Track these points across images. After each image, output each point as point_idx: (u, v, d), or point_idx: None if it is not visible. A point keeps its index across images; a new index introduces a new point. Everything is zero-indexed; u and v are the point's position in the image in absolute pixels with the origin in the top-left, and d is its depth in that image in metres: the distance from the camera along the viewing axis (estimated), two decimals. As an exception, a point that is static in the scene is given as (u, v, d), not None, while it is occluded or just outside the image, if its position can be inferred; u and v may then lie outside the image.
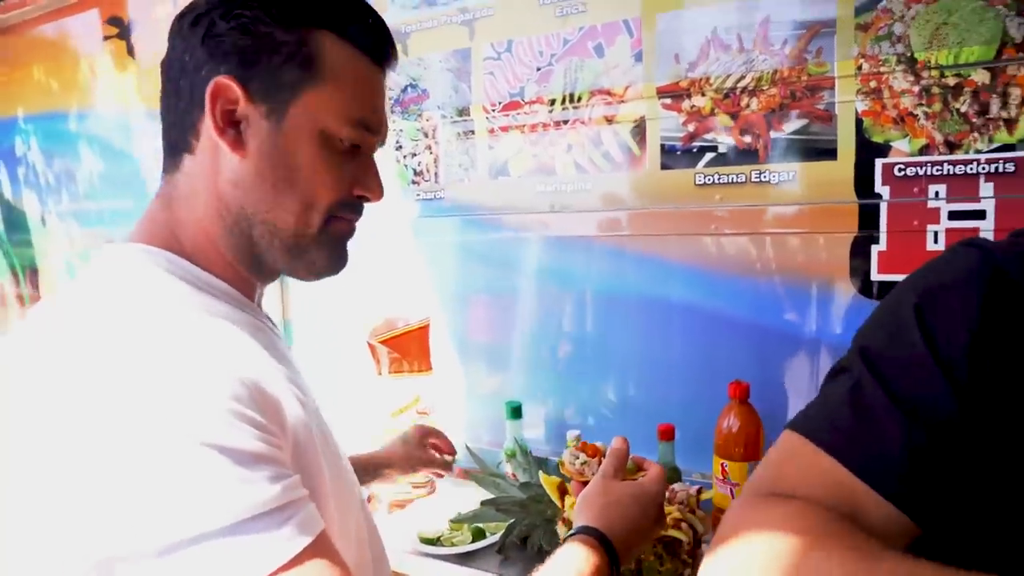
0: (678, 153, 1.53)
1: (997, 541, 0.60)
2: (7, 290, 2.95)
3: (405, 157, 1.86)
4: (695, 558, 1.23)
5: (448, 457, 1.40)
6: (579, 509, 0.93)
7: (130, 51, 2.38)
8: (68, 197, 2.64)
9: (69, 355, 0.61)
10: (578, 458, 1.18)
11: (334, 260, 0.80)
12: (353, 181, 0.78)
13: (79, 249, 2.63)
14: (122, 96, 2.41)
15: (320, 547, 0.61)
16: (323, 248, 0.78)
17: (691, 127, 1.51)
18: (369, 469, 1.27)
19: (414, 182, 1.86)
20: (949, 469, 0.59)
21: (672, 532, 1.18)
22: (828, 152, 1.39)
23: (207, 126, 0.73)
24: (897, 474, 0.59)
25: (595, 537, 0.86)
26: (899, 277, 1.32)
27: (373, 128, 0.77)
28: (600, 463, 1.26)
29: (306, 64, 0.72)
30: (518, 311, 1.74)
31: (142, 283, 0.70)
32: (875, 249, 1.35)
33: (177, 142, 0.76)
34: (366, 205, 0.81)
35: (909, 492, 0.59)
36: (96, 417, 0.57)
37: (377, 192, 0.80)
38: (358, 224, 0.82)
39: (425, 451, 1.36)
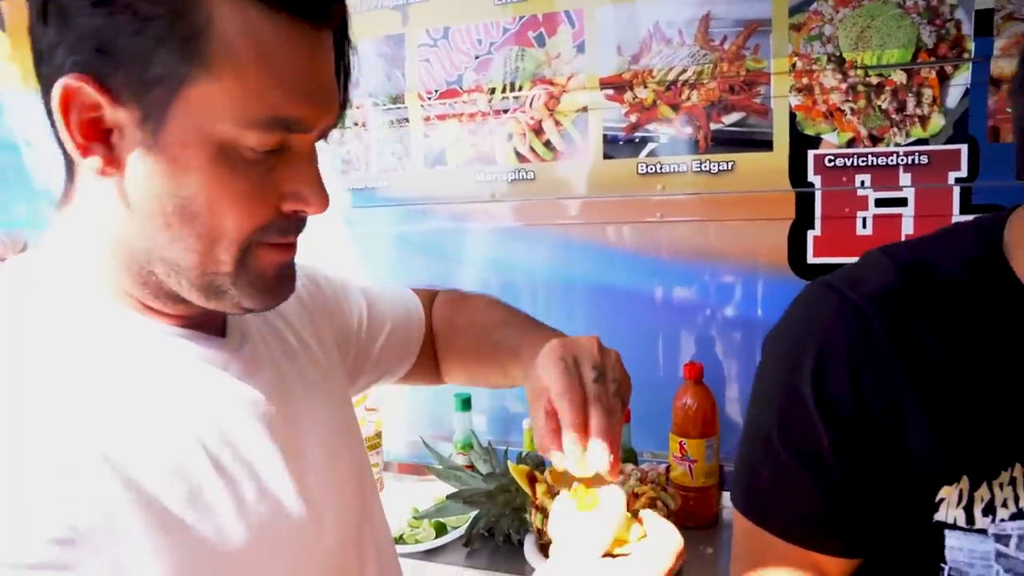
0: (620, 143, 1.57)
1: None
2: None
3: (333, 145, 1.79)
4: (668, 533, 1.28)
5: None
6: None
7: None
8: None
9: None
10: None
11: (268, 295, 0.60)
12: (279, 196, 0.56)
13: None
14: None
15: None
16: (247, 288, 0.58)
17: (633, 118, 1.56)
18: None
19: (343, 171, 1.79)
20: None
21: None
22: (764, 143, 1.48)
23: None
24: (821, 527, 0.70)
25: None
26: (833, 260, 1.44)
27: (301, 122, 0.54)
28: None
29: (187, 45, 0.50)
30: (461, 302, 1.73)
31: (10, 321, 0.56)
32: (811, 234, 1.46)
33: (63, 155, 0.57)
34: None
35: (841, 537, 0.70)
36: None
37: (317, 202, 0.57)
38: (298, 241, 0.61)
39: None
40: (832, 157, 1.44)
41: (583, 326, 1.64)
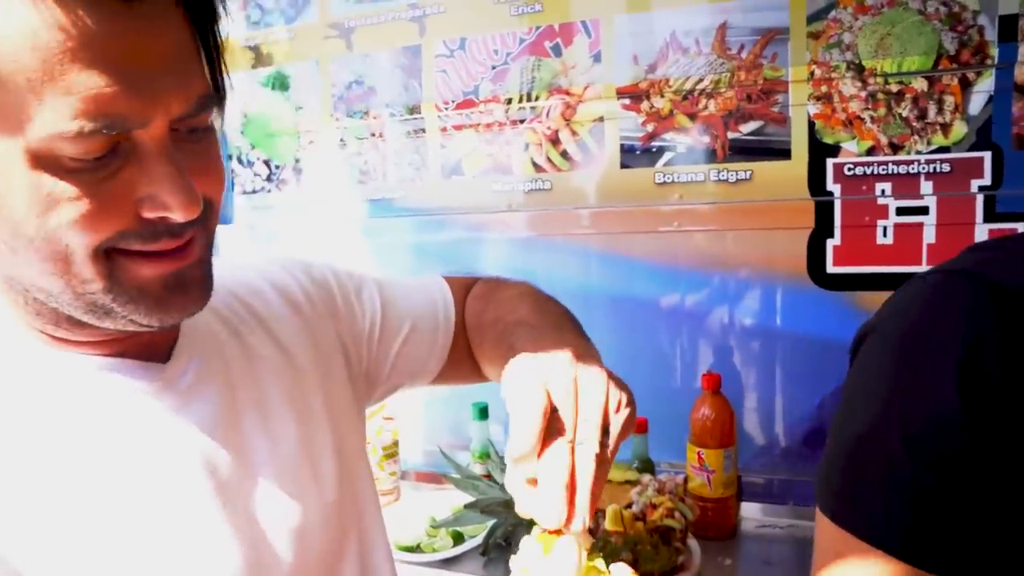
0: (637, 153, 1.57)
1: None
2: None
3: (350, 156, 1.81)
4: (685, 544, 1.27)
5: None
6: None
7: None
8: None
9: None
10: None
11: (158, 309, 0.52)
12: (133, 199, 0.48)
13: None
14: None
15: None
16: (134, 301, 0.51)
17: (650, 127, 1.56)
18: None
19: (360, 181, 1.80)
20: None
21: (667, 521, 1.22)
22: (783, 152, 1.47)
23: None
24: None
25: None
26: (853, 269, 1.42)
27: (124, 116, 0.46)
28: None
29: None
30: (478, 311, 1.74)
31: None
32: (830, 244, 1.44)
33: None
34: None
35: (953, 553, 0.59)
36: None
37: (179, 204, 0.49)
38: (190, 244, 0.53)
39: None
40: (852, 165, 1.43)
41: (600, 336, 1.62)
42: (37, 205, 0.46)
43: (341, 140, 1.81)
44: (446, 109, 1.71)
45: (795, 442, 1.51)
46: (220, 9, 0.54)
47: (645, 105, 1.55)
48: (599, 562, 0.56)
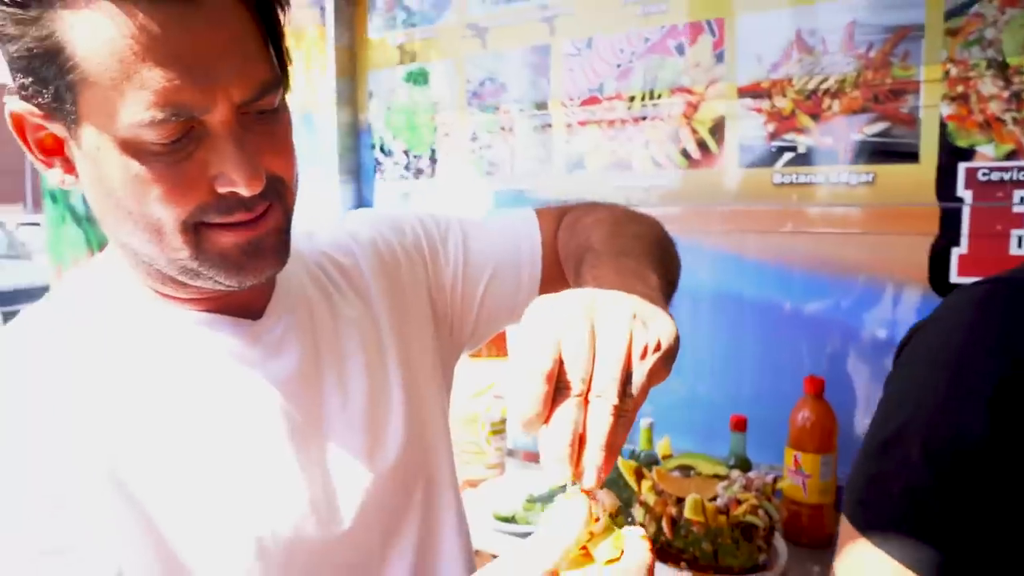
0: (757, 152, 1.56)
1: None
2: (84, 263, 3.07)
3: (481, 148, 1.92)
4: (769, 544, 1.27)
5: None
6: None
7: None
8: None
9: None
10: None
11: (238, 273, 0.61)
12: (208, 177, 0.57)
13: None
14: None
15: None
16: (217, 266, 0.60)
17: (771, 127, 1.54)
18: None
19: (489, 173, 1.91)
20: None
21: (750, 518, 1.22)
22: (909, 155, 1.41)
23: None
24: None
25: None
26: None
27: (196, 105, 0.54)
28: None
29: (54, 59, 0.53)
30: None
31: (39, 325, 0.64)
32: (955, 252, 1.37)
33: None
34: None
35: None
36: None
37: (242, 179, 0.56)
38: (265, 216, 0.61)
39: None
40: (987, 170, 1.35)
41: (707, 334, 1.64)
42: (130, 185, 0.56)
43: (473, 133, 1.92)
44: (571, 106, 1.78)
45: (906, 456, 1.45)
46: None
47: (767, 105, 1.54)
48: (620, 525, 0.52)
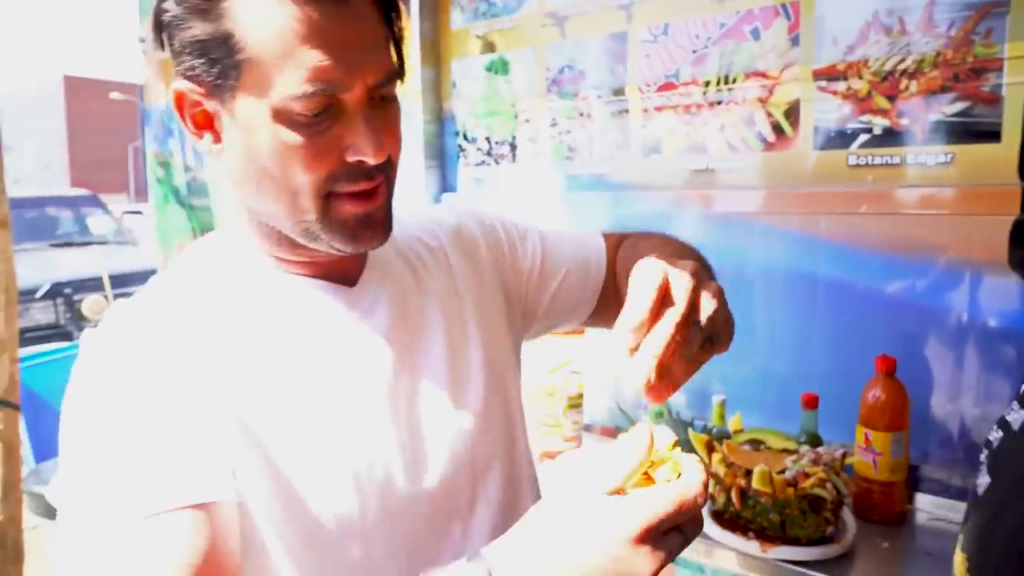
0: (832, 134, 1.58)
1: None
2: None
3: (560, 134, 1.99)
4: (837, 517, 1.31)
5: None
6: (518, 526, 0.61)
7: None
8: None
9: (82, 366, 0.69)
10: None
11: (354, 239, 0.71)
12: (340, 148, 0.67)
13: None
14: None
15: (208, 513, 0.63)
16: (335, 234, 0.70)
17: (846, 109, 1.55)
18: None
19: (568, 158, 1.98)
20: None
21: (817, 490, 1.26)
22: (991, 135, 1.40)
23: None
24: None
25: None
26: (1061, 260, 1.33)
27: (339, 82, 0.65)
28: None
29: (225, 42, 0.64)
30: (665, 282, 1.84)
31: (172, 286, 0.74)
32: (1036, 232, 1.36)
33: None
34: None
35: None
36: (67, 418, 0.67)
37: (371, 150, 0.67)
38: (378, 189, 0.71)
39: None
40: (1072, 149, 1.33)
41: (781, 313, 1.67)
42: (276, 151, 0.66)
43: (552, 120, 1.99)
44: (648, 91, 1.82)
45: (980, 439, 1.45)
46: (402, 6, 0.74)
47: (842, 87, 1.55)
48: (676, 452, 0.61)
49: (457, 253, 0.91)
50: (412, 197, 2.16)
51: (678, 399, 1.81)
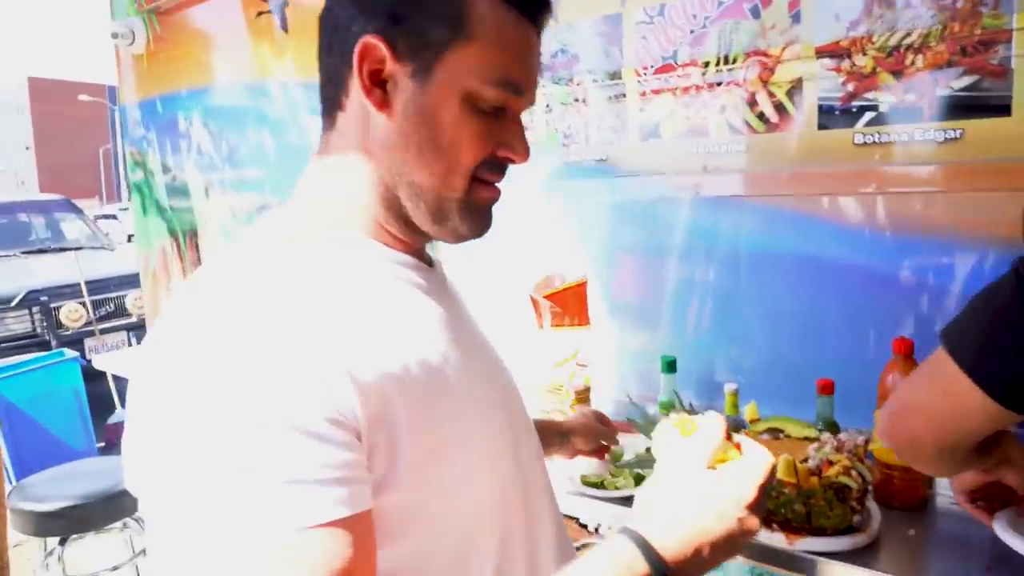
0: (836, 113, 1.54)
1: None
2: (170, 252, 3.22)
3: (555, 120, 1.94)
4: (863, 505, 1.28)
5: (616, 444, 1.44)
6: (644, 502, 0.75)
7: (283, 26, 2.53)
8: (229, 167, 2.85)
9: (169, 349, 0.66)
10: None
11: (477, 225, 0.79)
12: (497, 143, 0.76)
13: (240, 216, 2.84)
14: (276, 69, 2.58)
15: (354, 525, 0.62)
16: (466, 214, 0.77)
17: (851, 87, 1.52)
18: (555, 432, 1.31)
19: (564, 144, 1.93)
20: None
21: (842, 479, 1.23)
22: (1001, 108, 1.37)
23: (356, 85, 0.74)
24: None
25: (644, 554, 0.69)
26: (1078, 234, 1.31)
27: (521, 89, 0.75)
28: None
29: (455, 21, 0.72)
30: (669, 269, 1.81)
31: (269, 261, 0.72)
32: (1051, 206, 1.34)
33: (331, 99, 0.78)
34: (513, 167, 0.80)
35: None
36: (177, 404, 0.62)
37: (522, 153, 0.78)
38: (502, 187, 0.81)
39: (605, 426, 1.39)
40: (1084, 121, 1.31)
41: (791, 297, 1.64)
42: (458, 127, 0.73)
43: (547, 106, 1.94)
44: (645, 74, 1.78)
45: (1001, 417, 1.43)
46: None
47: (846, 64, 1.52)
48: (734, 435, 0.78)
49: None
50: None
51: (686, 389, 1.78)
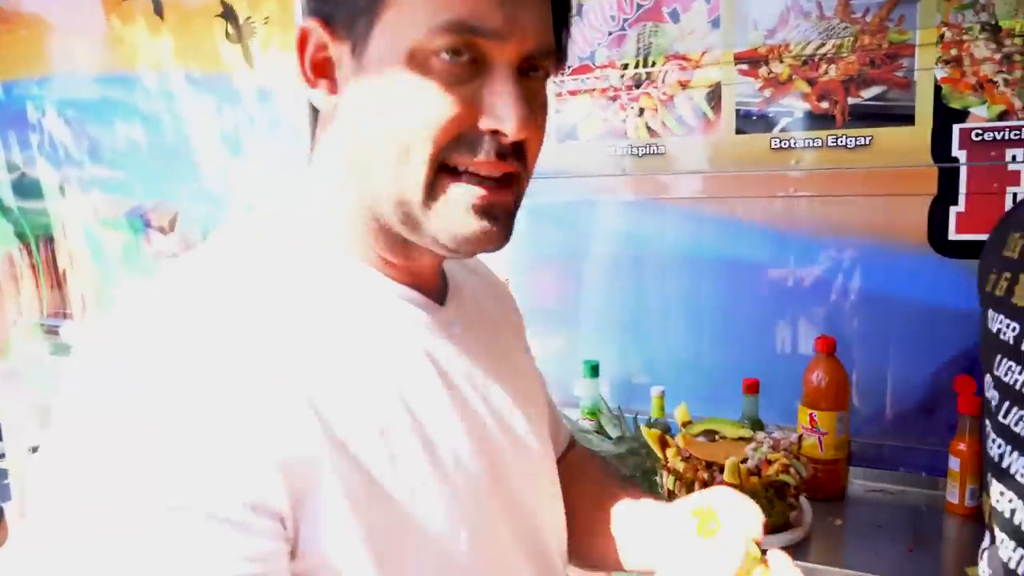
0: (753, 118, 1.58)
1: None
2: (19, 260, 2.87)
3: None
4: (798, 501, 1.31)
5: None
6: None
7: (158, 11, 2.32)
8: (91, 163, 2.57)
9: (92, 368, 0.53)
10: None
11: (461, 231, 0.57)
12: (476, 110, 0.55)
13: (104, 217, 2.57)
14: (150, 58, 2.35)
15: None
16: (441, 218, 0.57)
17: (767, 93, 1.56)
18: None
19: (477, 146, 1.87)
20: None
21: (782, 476, 1.25)
22: (906, 118, 1.45)
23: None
24: None
25: None
26: (978, 236, 1.40)
27: (493, 29, 0.53)
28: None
29: None
30: (589, 272, 1.79)
31: (230, 276, 0.58)
32: (953, 211, 1.43)
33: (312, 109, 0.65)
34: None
35: None
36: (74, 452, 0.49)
37: (510, 121, 0.54)
38: (512, 179, 0.58)
39: None
40: (980, 131, 1.40)
41: (711, 299, 1.67)
42: (402, 98, 0.55)
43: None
44: (562, 75, 1.75)
45: (907, 409, 1.51)
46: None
47: (763, 71, 1.56)
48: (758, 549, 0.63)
49: (498, 299, 0.83)
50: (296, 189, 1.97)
51: (605, 392, 1.77)
